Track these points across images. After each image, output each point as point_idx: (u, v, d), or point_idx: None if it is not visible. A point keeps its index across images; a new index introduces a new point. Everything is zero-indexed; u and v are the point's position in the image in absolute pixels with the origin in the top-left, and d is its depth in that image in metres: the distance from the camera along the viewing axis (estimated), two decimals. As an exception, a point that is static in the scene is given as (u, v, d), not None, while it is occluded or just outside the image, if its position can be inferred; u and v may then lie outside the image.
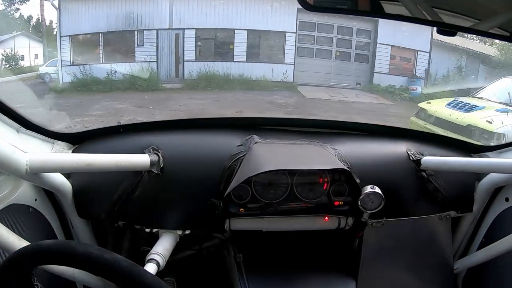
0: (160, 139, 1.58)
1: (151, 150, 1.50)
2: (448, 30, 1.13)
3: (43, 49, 12.86)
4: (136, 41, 12.74)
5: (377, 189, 1.49)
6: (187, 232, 1.54)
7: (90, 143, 1.61)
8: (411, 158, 1.63)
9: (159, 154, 1.48)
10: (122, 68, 11.95)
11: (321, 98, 10.77)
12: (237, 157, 1.50)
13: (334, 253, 1.67)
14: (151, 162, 1.44)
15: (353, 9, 1.18)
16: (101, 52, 12.93)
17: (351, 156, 1.58)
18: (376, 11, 1.19)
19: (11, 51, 11.58)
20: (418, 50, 12.14)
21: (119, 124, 1.72)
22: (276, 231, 1.58)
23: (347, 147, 1.64)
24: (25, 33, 12.49)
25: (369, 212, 1.53)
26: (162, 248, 1.42)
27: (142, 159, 1.43)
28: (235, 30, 12.39)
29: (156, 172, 1.45)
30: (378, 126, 1.93)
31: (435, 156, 1.64)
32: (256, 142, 1.56)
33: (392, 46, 12.13)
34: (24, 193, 1.35)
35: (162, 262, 1.36)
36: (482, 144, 1.79)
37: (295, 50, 12.40)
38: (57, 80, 12.02)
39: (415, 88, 11.30)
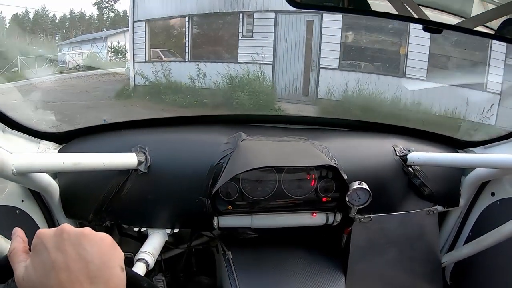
0: (147, 138, 1.57)
1: (138, 148, 1.49)
2: (434, 28, 1.13)
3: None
4: (240, 30, 8.53)
5: (365, 185, 1.50)
6: (176, 230, 1.54)
7: (76, 142, 1.60)
8: (398, 154, 1.64)
9: (146, 153, 1.48)
10: (215, 72, 8.24)
11: None
12: (225, 155, 1.50)
13: (323, 249, 1.68)
14: (138, 161, 1.43)
15: (339, 6, 1.18)
16: (187, 44, 9.13)
17: (338, 152, 1.59)
18: (363, 9, 1.19)
19: (118, 44, 11.31)
20: None
21: (105, 122, 1.71)
22: (264, 228, 1.59)
23: (334, 143, 1.65)
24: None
25: (357, 207, 1.54)
26: (151, 247, 1.42)
27: (129, 158, 1.42)
28: (410, 24, 5.49)
29: (143, 170, 1.45)
30: (364, 122, 1.94)
31: (421, 151, 1.66)
32: (243, 139, 1.56)
33: None
34: (10, 195, 1.33)
35: (151, 261, 1.36)
36: (468, 140, 1.80)
37: (503, 69, 6.71)
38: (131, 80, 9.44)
39: None
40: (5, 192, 1.30)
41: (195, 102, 7.87)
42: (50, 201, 1.45)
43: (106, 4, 12.40)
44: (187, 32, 9.15)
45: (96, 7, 12.54)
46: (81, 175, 1.44)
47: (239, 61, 8.35)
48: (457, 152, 1.79)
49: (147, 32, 9.39)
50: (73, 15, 12.61)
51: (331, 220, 1.59)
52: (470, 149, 1.79)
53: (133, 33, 9.38)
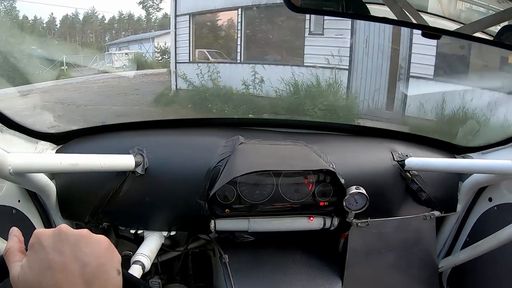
0: (145, 140, 1.57)
1: (135, 150, 1.49)
2: (432, 33, 1.13)
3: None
4: (307, 25, 6.88)
5: (362, 190, 1.50)
6: (173, 233, 1.54)
7: (74, 143, 1.59)
8: (396, 159, 1.64)
9: (144, 155, 1.47)
10: (276, 77, 6.65)
11: None
12: (222, 158, 1.50)
13: (320, 253, 1.68)
14: (135, 162, 1.43)
15: (338, 11, 1.18)
16: (239, 42, 7.62)
17: (336, 156, 1.59)
18: (362, 14, 1.20)
19: (165, 44, 11.25)
20: None
21: (103, 123, 1.71)
22: (261, 231, 1.59)
23: (332, 148, 1.65)
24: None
25: (354, 212, 1.54)
26: (148, 249, 1.42)
27: (126, 160, 1.42)
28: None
29: (140, 172, 1.44)
30: (362, 127, 1.94)
31: (419, 156, 1.66)
32: (241, 143, 1.56)
33: None
34: (7, 194, 1.33)
35: (147, 263, 1.36)
36: (466, 145, 1.81)
37: None
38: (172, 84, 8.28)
39: None
40: (2, 192, 1.30)
41: (251, 115, 6.11)
42: (47, 201, 1.45)
43: (151, 3, 12.49)
44: (239, 28, 7.65)
45: (141, 6, 12.70)
46: (78, 176, 1.44)
47: (305, 64, 6.72)
48: (455, 157, 1.79)
49: (192, 27, 8.05)
50: (122, 16, 12.96)
51: (328, 224, 1.59)
52: (468, 154, 1.79)
53: (175, 29, 8.18)
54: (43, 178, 1.36)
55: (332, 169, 1.48)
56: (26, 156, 1.19)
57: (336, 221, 1.59)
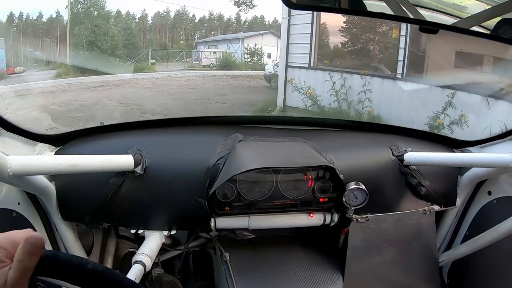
0: (143, 139, 1.57)
1: (134, 150, 1.48)
2: (430, 28, 1.13)
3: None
4: None
5: (361, 185, 1.51)
6: (173, 232, 1.53)
7: (72, 144, 1.59)
8: (395, 154, 1.64)
9: (143, 154, 1.47)
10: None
11: None
12: (221, 156, 1.49)
13: (320, 249, 1.68)
14: (135, 162, 1.42)
15: (335, 7, 1.18)
16: (403, 45, 5.07)
17: (335, 152, 1.59)
18: (359, 9, 1.20)
19: (255, 46, 11.21)
20: None
21: (102, 124, 1.70)
22: (262, 228, 1.59)
23: (331, 143, 1.65)
24: (274, 33, 10.53)
25: (354, 208, 1.54)
26: (148, 249, 1.41)
27: (125, 160, 1.41)
28: None
29: (140, 172, 1.44)
30: (361, 123, 1.94)
31: (418, 151, 1.66)
32: (240, 141, 1.56)
33: None
34: (7, 197, 1.33)
35: (148, 263, 1.35)
36: (464, 139, 1.81)
37: None
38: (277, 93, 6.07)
39: None
40: (1, 195, 1.30)
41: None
42: (47, 203, 1.45)
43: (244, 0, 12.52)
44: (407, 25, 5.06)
45: (232, 2, 12.82)
46: (77, 177, 1.43)
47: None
48: (454, 151, 1.79)
49: (316, 15, 5.38)
50: (212, 16, 13.33)
51: (328, 220, 1.59)
52: (467, 148, 1.80)
53: (289, 16, 5.44)
54: (43, 180, 1.35)
55: (331, 165, 1.48)
56: (25, 159, 1.19)
57: (336, 217, 1.59)
